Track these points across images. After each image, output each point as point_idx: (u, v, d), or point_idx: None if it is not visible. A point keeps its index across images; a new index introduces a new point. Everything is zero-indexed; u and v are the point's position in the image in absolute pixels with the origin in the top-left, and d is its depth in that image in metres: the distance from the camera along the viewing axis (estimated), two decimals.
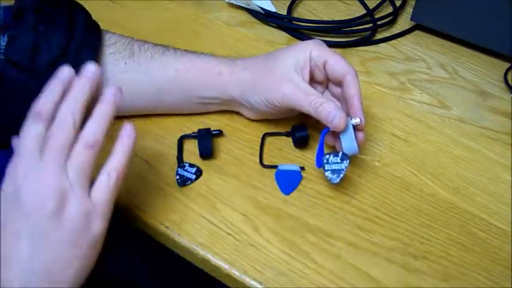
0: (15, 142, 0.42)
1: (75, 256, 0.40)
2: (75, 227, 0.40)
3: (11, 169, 0.41)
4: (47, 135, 0.41)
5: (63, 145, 0.40)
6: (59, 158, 0.40)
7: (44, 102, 0.42)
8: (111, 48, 0.54)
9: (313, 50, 0.54)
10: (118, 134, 0.44)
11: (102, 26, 0.55)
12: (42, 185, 0.39)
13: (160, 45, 0.57)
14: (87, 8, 0.55)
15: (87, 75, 0.43)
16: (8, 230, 0.39)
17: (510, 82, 0.69)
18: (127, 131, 0.44)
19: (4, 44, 0.48)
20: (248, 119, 0.60)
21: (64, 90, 0.42)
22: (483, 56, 0.73)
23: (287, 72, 0.53)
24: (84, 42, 0.51)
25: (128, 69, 0.54)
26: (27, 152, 0.40)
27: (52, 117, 0.42)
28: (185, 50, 0.57)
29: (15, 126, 0.52)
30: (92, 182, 0.42)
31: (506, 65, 0.72)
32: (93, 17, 0.55)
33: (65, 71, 0.43)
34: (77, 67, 0.50)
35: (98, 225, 0.41)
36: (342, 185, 0.54)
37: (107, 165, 0.43)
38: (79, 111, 0.42)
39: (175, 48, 0.57)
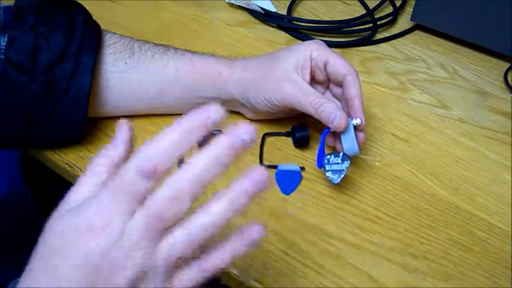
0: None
1: None
2: None
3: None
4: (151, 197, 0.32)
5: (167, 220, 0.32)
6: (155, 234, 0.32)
7: (165, 156, 0.32)
8: (112, 48, 0.54)
9: (314, 51, 0.54)
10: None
11: (102, 26, 0.55)
12: None
13: (160, 45, 0.57)
14: (87, 8, 0.55)
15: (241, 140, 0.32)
16: None
17: (510, 82, 0.69)
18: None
19: (4, 44, 0.48)
20: (248, 119, 0.60)
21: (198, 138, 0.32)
22: (483, 56, 0.73)
23: (288, 72, 0.53)
24: (84, 43, 0.51)
25: (128, 69, 0.54)
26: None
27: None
28: (185, 50, 0.57)
29: (14, 126, 0.52)
30: None
31: (506, 65, 0.72)
32: (93, 17, 0.55)
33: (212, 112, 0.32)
34: (77, 67, 0.51)
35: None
36: (342, 185, 0.54)
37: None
38: (199, 193, 0.32)
39: (175, 48, 0.57)
